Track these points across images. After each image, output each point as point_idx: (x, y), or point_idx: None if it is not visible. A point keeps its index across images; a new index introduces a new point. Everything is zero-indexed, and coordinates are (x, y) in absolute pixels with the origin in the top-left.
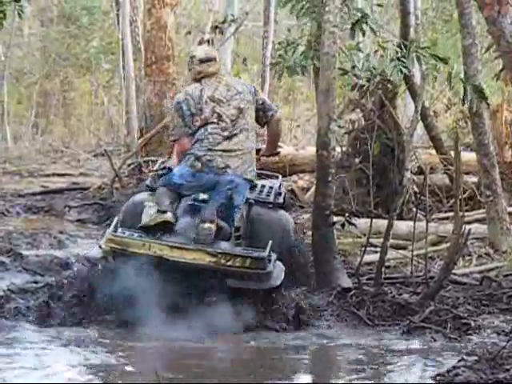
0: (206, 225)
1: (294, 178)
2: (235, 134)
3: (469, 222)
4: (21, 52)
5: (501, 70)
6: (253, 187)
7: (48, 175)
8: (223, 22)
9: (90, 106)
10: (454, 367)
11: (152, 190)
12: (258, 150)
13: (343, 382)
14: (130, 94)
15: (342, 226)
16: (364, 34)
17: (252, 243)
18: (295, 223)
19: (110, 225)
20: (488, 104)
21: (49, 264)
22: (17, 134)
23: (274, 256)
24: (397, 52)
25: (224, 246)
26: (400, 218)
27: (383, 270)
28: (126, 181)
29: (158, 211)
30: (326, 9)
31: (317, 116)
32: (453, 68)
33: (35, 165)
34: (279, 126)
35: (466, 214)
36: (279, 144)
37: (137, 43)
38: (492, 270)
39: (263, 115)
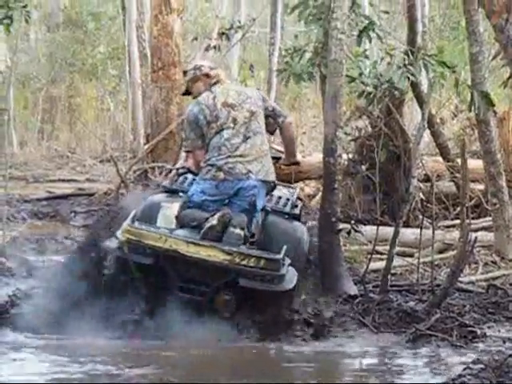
0: (237, 230)
1: (301, 184)
2: (249, 137)
3: (475, 230)
4: (27, 57)
5: (508, 78)
6: (270, 196)
7: (54, 181)
8: (230, 28)
9: (96, 112)
10: (460, 375)
11: (169, 191)
12: (277, 160)
13: None
14: (136, 100)
15: (348, 233)
16: (371, 41)
17: (265, 250)
18: (310, 235)
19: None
20: (495, 111)
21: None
22: (23, 139)
23: (287, 260)
24: (404, 59)
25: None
26: (406, 225)
27: (389, 277)
28: (132, 187)
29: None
30: (334, 16)
31: (323, 123)
32: (460, 75)
33: (41, 170)
34: (292, 130)
35: (473, 221)
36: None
37: (143, 49)
38: (498, 277)
39: (274, 122)
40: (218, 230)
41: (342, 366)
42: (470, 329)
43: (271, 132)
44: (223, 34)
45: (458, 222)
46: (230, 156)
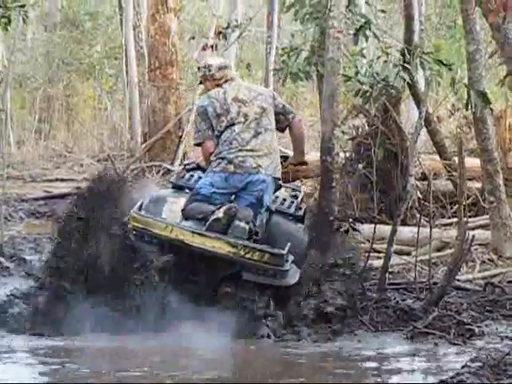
0: (242, 224)
1: (298, 183)
2: (260, 133)
3: (472, 228)
4: (24, 57)
5: (505, 76)
6: (275, 198)
7: (51, 180)
8: (227, 28)
9: (94, 111)
10: (458, 373)
11: (176, 187)
12: (285, 159)
13: None
14: (133, 100)
15: (346, 231)
16: (367, 40)
17: None
18: None
19: None
20: (492, 110)
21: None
22: (20, 138)
23: (291, 257)
24: (400, 58)
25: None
26: (404, 223)
27: (387, 275)
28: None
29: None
30: (331, 14)
31: (320, 121)
32: (456, 74)
33: (38, 170)
34: (302, 128)
35: (470, 219)
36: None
37: (140, 48)
38: (495, 276)
39: (285, 119)
40: (223, 223)
41: (339, 364)
42: (467, 327)
43: (281, 130)
44: (220, 33)
45: (455, 220)
46: (240, 150)
